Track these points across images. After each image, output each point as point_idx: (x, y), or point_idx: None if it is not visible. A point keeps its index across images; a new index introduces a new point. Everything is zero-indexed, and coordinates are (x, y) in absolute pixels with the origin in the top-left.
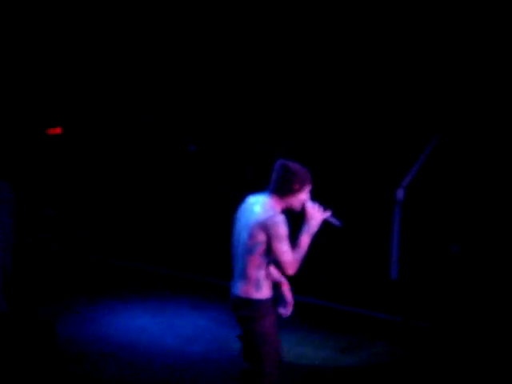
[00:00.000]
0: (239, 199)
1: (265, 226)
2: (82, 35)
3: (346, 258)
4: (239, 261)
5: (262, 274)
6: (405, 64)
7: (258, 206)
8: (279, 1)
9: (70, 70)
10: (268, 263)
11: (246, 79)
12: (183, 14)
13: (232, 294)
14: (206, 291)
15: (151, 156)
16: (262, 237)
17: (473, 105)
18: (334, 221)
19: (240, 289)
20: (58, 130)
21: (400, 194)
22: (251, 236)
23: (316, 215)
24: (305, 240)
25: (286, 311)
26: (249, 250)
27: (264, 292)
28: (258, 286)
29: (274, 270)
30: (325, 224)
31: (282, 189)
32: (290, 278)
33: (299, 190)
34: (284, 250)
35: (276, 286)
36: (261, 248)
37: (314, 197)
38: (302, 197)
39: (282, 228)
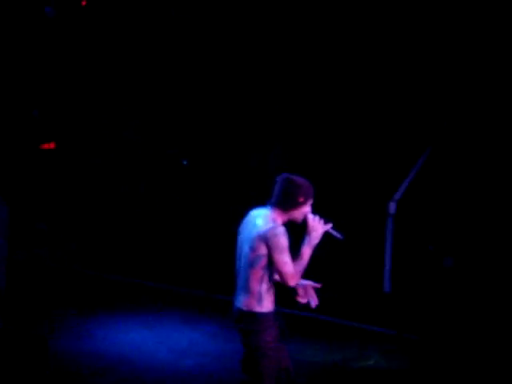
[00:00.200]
0: (231, 213)
1: (265, 238)
2: (74, 52)
3: (339, 270)
4: (241, 274)
5: (263, 287)
6: (396, 79)
7: (260, 219)
8: (269, 14)
9: (63, 86)
10: (270, 277)
11: (238, 93)
12: (171, 30)
13: (234, 307)
14: (199, 305)
15: (144, 170)
16: (263, 249)
17: (463, 118)
18: (335, 233)
19: (242, 302)
20: (51, 146)
21: (392, 206)
22: (253, 249)
23: (317, 227)
24: (306, 252)
25: (303, 299)
26: (251, 263)
27: (265, 305)
28: (259, 300)
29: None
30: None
31: (285, 202)
32: (280, 290)
33: (303, 204)
34: (285, 261)
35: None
36: (262, 261)
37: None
38: (305, 210)
39: (282, 239)
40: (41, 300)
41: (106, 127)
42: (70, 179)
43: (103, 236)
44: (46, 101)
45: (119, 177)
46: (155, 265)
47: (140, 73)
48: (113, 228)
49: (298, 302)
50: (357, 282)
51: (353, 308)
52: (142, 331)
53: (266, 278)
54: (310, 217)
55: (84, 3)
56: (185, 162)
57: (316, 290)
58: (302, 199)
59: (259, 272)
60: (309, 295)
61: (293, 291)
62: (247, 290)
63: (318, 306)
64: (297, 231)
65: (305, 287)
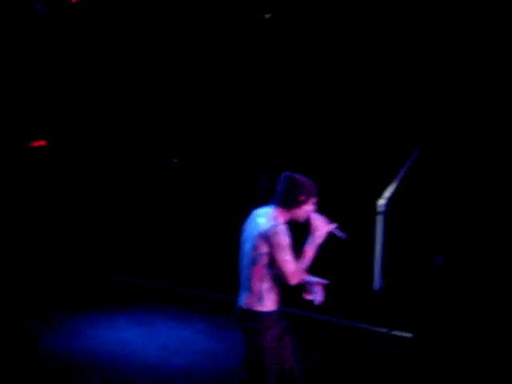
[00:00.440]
0: (225, 211)
1: (266, 236)
2: (66, 49)
3: (330, 269)
4: (244, 273)
5: (265, 286)
6: (386, 77)
7: (262, 218)
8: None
9: (54, 84)
10: (272, 276)
11: (232, 92)
12: (165, 31)
13: (237, 306)
14: (191, 303)
15: (134, 168)
16: (264, 248)
17: (454, 116)
18: (338, 233)
19: (244, 300)
20: (41, 143)
21: (383, 204)
22: (254, 247)
23: (321, 227)
24: (309, 251)
25: (309, 296)
26: (252, 262)
27: (266, 304)
28: (260, 298)
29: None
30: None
31: (287, 200)
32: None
33: (305, 202)
34: (286, 259)
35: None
36: (264, 259)
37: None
38: (308, 208)
39: (283, 237)
40: (31, 298)
41: (97, 124)
42: (61, 176)
43: (94, 234)
44: (35, 98)
45: (110, 174)
46: (146, 263)
47: (133, 69)
48: (104, 226)
49: (304, 298)
50: (347, 279)
51: (344, 306)
52: (132, 329)
53: (267, 277)
54: (314, 216)
55: (74, 0)
56: (175, 160)
57: (324, 287)
58: (303, 198)
59: (260, 270)
60: (315, 292)
61: (300, 287)
62: (249, 288)
63: (322, 303)
64: (300, 231)
65: (312, 284)
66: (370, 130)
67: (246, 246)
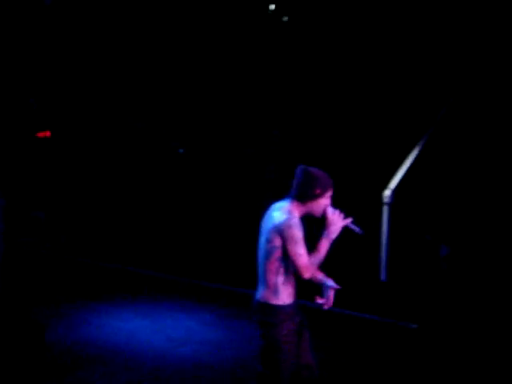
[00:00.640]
0: (233, 202)
1: (280, 230)
2: (73, 41)
3: (336, 260)
4: (260, 266)
5: (280, 279)
6: (390, 69)
7: (277, 211)
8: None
9: (60, 75)
10: (287, 269)
11: (236, 83)
12: (170, 24)
13: (254, 299)
14: (197, 294)
15: (140, 159)
16: (278, 241)
17: (460, 106)
18: (354, 228)
19: (260, 294)
20: (47, 134)
21: (388, 195)
22: (268, 240)
23: (336, 221)
24: (323, 245)
25: (321, 300)
26: (267, 255)
27: (282, 298)
28: (275, 292)
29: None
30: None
31: (303, 194)
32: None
33: (320, 195)
34: (299, 252)
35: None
36: (277, 252)
37: None
38: (323, 202)
39: (296, 230)
40: (37, 289)
41: (103, 115)
42: (67, 167)
43: (101, 224)
44: (42, 89)
45: (116, 165)
46: (155, 254)
47: (139, 60)
48: (110, 216)
49: (315, 301)
50: (353, 271)
51: (349, 297)
52: (138, 320)
53: (282, 270)
54: (330, 210)
55: None
56: (181, 151)
57: (335, 292)
58: (318, 191)
59: (275, 264)
60: (328, 296)
61: (317, 288)
62: (265, 282)
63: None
64: (315, 225)
65: (327, 287)
66: (375, 121)
67: (262, 240)
